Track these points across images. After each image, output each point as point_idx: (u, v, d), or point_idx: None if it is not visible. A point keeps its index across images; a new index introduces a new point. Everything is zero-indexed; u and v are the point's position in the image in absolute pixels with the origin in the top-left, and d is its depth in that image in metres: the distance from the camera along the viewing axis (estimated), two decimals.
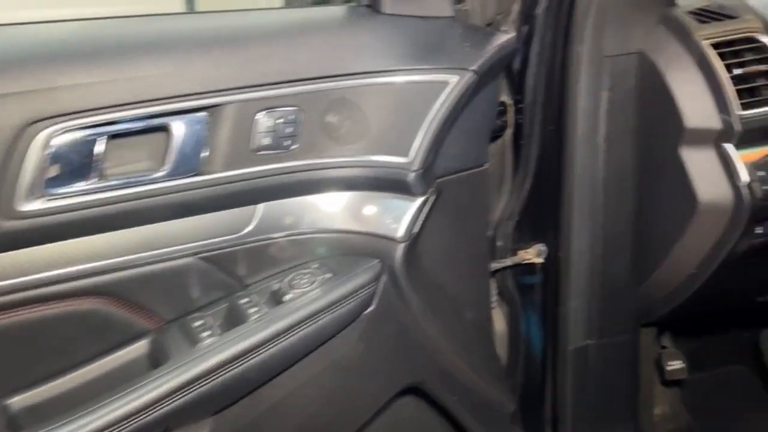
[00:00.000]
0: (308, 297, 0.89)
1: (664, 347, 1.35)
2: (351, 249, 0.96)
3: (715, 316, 1.32)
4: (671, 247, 1.06)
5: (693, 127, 0.98)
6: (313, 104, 0.91)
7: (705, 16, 1.04)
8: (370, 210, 0.96)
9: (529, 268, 1.16)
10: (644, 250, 1.10)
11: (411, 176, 0.94)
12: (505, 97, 1.14)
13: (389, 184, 0.95)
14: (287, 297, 0.90)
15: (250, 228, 0.93)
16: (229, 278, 0.93)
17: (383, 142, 0.94)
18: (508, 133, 1.16)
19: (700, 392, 1.45)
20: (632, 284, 1.11)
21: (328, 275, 0.92)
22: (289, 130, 0.90)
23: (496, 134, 1.14)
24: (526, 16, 1.08)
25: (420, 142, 0.94)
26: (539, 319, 1.17)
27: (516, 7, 1.09)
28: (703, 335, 1.44)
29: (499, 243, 1.18)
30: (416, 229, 0.97)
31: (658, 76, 1.00)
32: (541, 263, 1.14)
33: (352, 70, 0.92)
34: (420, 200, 0.96)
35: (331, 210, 0.96)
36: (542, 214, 1.13)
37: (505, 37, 1.02)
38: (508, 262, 1.18)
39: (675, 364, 1.30)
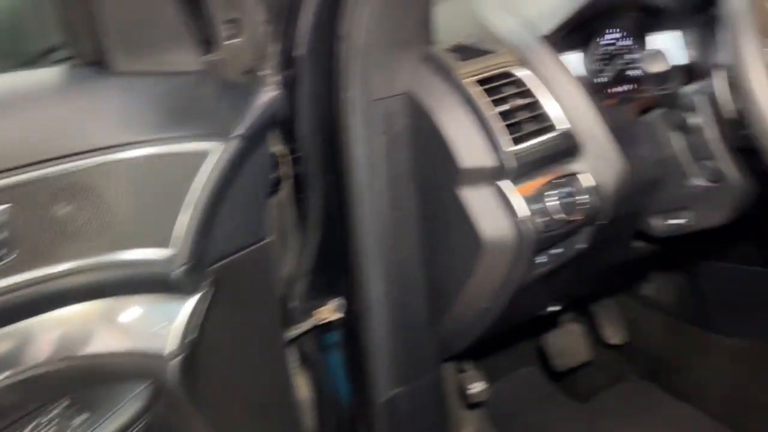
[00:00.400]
0: None
1: (463, 370, 1.38)
2: (111, 375, 0.77)
3: (506, 332, 1.38)
4: (463, 284, 1.05)
5: (467, 167, 0.97)
6: (33, 197, 0.71)
7: (465, 52, 1.04)
8: (128, 321, 0.78)
9: (329, 325, 1.08)
10: (438, 290, 1.08)
11: (177, 272, 0.78)
12: (277, 147, 1.03)
13: (150, 284, 0.78)
14: None
15: None
16: None
17: (135, 234, 0.77)
18: (286, 185, 1.06)
19: (500, 403, 1.52)
20: (430, 324, 1.09)
21: (82, 416, 0.73)
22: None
23: (272, 189, 1.02)
24: (288, 59, 0.98)
25: (182, 228, 0.78)
26: (346, 377, 1.10)
27: (275, 50, 0.98)
28: (496, 349, 1.50)
29: (293, 305, 1.08)
30: (192, 336, 0.81)
31: (427, 117, 0.97)
32: (340, 318, 1.06)
33: (82, 148, 0.74)
34: (193, 299, 0.81)
35: (76, 329, 0.76)
36: (334, 267, 1.05)
37: (272, 91, 0.91)
38: (305, 326, 1.08)
39: (476, 387, 1.33)
